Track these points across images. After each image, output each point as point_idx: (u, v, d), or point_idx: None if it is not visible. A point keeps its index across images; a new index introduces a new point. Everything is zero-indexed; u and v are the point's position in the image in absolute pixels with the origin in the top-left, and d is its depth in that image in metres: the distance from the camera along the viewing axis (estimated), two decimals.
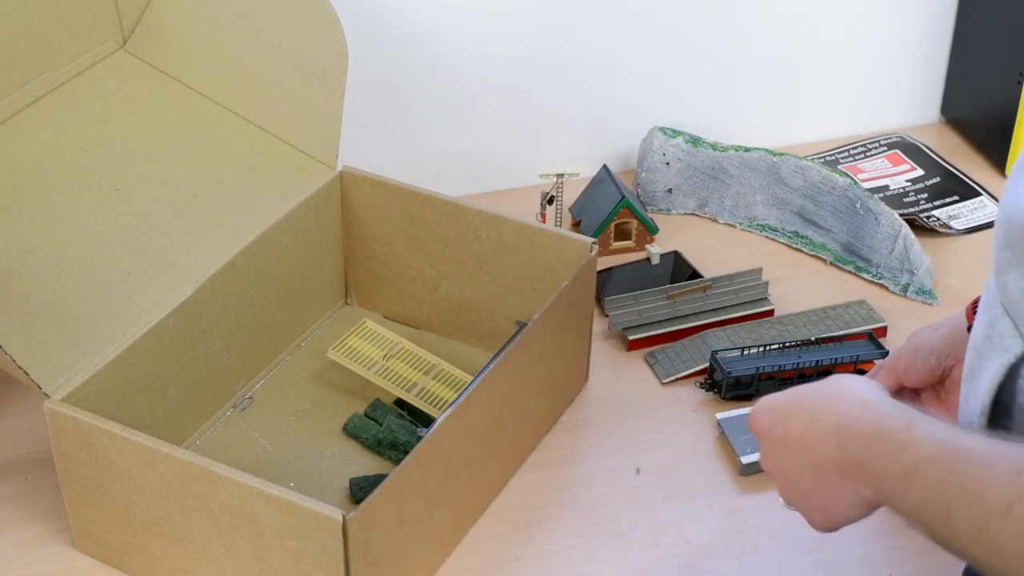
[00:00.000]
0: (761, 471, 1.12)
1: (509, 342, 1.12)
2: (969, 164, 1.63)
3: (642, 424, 1.25)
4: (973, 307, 1.06)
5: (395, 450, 1.18)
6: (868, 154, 1.65)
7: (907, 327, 1.23)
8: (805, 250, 1.49)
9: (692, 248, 1.47)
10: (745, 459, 1.18)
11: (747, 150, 1.55)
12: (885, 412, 0.82)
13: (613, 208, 1.45)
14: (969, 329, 1.03)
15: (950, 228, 1.53)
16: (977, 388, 0.86)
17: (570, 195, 1.53)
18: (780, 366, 1.27)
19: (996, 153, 1.62)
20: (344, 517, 0.94)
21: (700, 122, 1.61)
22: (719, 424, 1.22)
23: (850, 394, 0.85)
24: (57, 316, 1.09)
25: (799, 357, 1.28)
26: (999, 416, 0.84)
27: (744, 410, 1.23)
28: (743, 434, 1.20)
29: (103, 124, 1.24)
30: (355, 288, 1.38)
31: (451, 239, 1.28)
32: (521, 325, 1.14)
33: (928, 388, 1.11)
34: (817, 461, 0.85)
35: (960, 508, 0.74)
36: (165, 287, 1.15)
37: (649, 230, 1.48)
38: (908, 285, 1.42)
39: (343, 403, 1.25)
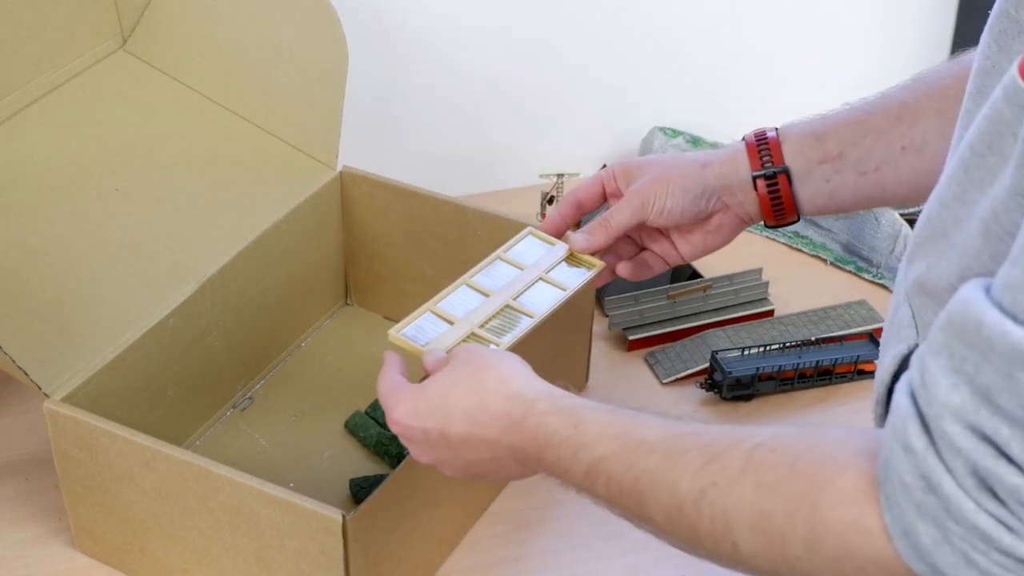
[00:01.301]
0: None
1: None
2: None
3: None
4: (757, 143, 1.03)
5: (395, 444, 1.18)
6: None
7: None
8: (805, 250, 1.49)
9: None
10: None
11: None
12: (546, 412, 0.82)
13: None
14: (758, 175, 1.03)
15: None
16: (877, 375, 0.85)
17: None
18: (780, 366, 1.27)
19: None
20: (344, 517, 0.94)
21: (700, 122, 1.61)
22: None
23: (500, 389, 0.84)
24: (57, 316, 1.09)
25: (799, 357, 1.28)
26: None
27: None
28: None
29: (103, 124, 1.24)
30: (355, 288, 1.38)
31: (451, 239, 1.28)
32: None
33: (655, 230, 1.08)
34: (490, 456, 0.85)
35: (652, 498, 0.75)
36: (165, 287, 1.15)
37: None
38: None
39: (343, 403, 1.25)
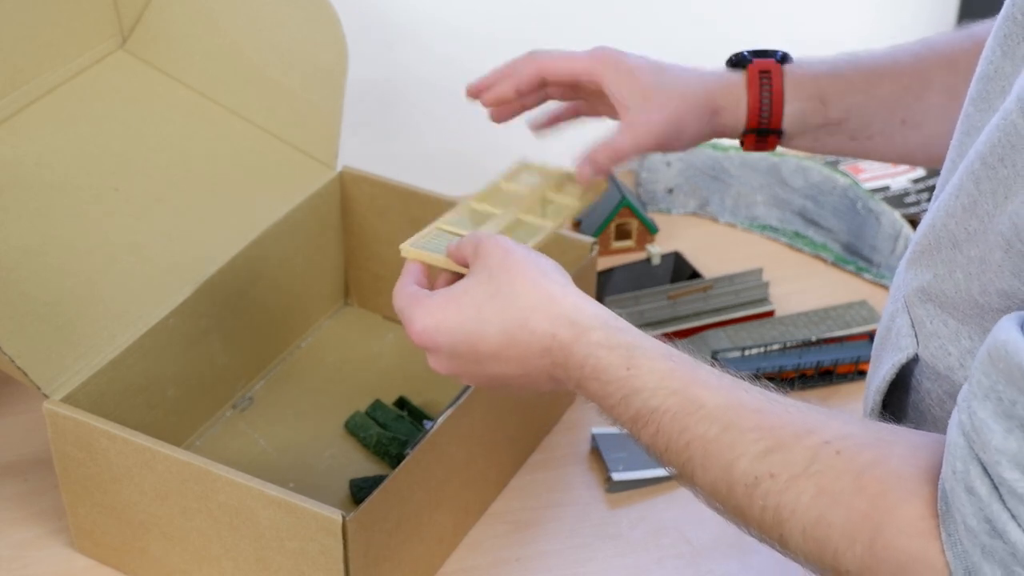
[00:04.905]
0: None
1: None
2: None
3: None
4: (760, 97, 1.00)
5: (395, 445, 1.18)
6: None
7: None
8: (806, 250, 1.49)
9: (692, 248, 1.47)
10: (616, 476, 1.17)
11: None
12: (599, 344, 0.78)
13: (613, 208, 1.45)
14: (751, 132, 1.00)
15: None
16: (871, 383, 0.84)
17: None
18: (781, 367, 1.27)
19: None
20: (344, 518, 0.93)
21: None
22: (593, 438, 1.21)
23: (546, 308, 0.79)
24: (57, 316, 1.09)
25: (800, 358, 1.28)
26: (895, 412, 0.82)
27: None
28: (617, 451, 1.19)
29: (103, 124, 1.24)
30: (355, 288, 1.38)
31: None
32: None
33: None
34: (522, 372, 0.81)
35: (701, 468, 0.73)
36: (165, 287, 1.15)
37: (649, 230, 1.48)
38: None
39: (343, 403, 1.25)
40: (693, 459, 0.73)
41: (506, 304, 0.81)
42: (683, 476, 0.76)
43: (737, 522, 0.73)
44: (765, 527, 0.71)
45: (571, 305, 0.80)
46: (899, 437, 0.69)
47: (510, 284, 0.81)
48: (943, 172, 0.79)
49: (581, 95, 1.08)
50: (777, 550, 0.72)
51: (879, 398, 0.82)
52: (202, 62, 1.29)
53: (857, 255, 1.47)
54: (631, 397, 0.76)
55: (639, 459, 1.17)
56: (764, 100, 1.00)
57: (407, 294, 0.86)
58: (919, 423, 0.80)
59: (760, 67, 1.01)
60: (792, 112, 1.00)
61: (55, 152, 1.20)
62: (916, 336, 0.78)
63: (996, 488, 0.61)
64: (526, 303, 0.80)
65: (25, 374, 1.03)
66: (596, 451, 1.20)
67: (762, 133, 1.01)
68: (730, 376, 0.76)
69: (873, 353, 0.86)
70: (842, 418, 0.71)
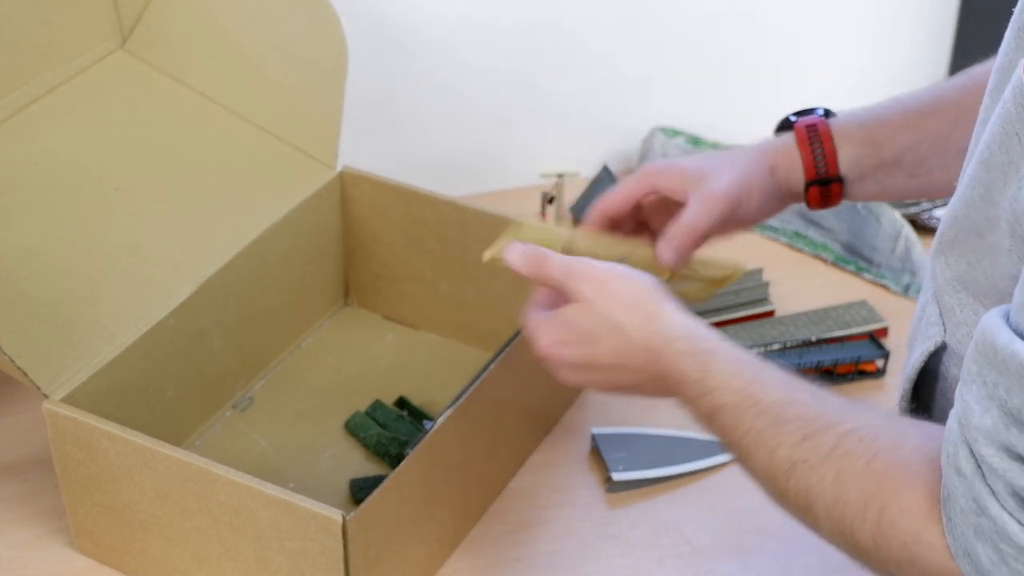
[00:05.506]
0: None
1: (509, 342, 1.12)
2: None
3: (643, 424, 1.24)
4: (811, 146, 1.02)
5: (395, 445, 1.18)
6: None
7: (908, 328, 1.23)
8: (806, 250, 1.49)
9: None
10: (616, 476, 1.17)
11: None
12: (681, 353, 0.85)
13: None
14: (813, 183, 1.03)
15: None
16: (904, 372, 0.87)
17: (570, 195, 1.53)
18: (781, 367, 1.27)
19: None
20: (344, 518, 0.94)
21: (700, 122, 1.61)
22: (593, 438, 1.21)
23: (646, 325, 0.87)
24: (57, 316, 1.09)
25: (800, 358, 1.28)
26: (927, 400, 0.86)
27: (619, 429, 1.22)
28: (617, 451, 1.19)
29: (103, 124, 1.24)
30: (355, 288, 1.38)
31: (451, 239, 1.28)
32: None
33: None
34: (637, 381, 0.89)
35: (752, 457, 0.79)
36: (165, 287, 1.15)
37: None
38: (909, 285, 1.42)
39: (343, 403, 1.25)
40: (748, 449, 0.79)
41: (612, 331, 0.88)
42: (745, 466, 0.81)
43: (786, 509, 0.78)
44: (800, 510, 0.76)
45: (664, 320, 0.87)
46: (918, 429, 0.73)
47: (614, 314, 0.88)
48: (964, 163, 0.80)
49: (648, 225, 1.10)
50: (823, 539, 0.77)
51: (908, 386, 0.86)
52: (202, 62, 1.29)
53: (857, 255, 1.47)
54: (704, 397, 0.83)
55: (639, 459, 1.17)
56: (816, 150, 1.03)
57: (534, 317, 0.93)
58: (947, 410, 0.82)
59: (806, 123, 1.04)
60: (846, 157, 1.03)
61: (55, 152, 1.20)
62: (944, 324, 0.81)
63: (979, 467, 0.64)
64: (628, 326, 0.87)
65: (25, 374, 1.03)
66: (596, 451, 1.20)
67: (824, 183, 1.03)
68: (791, 377, 0.82)
69: (907, 343, 0.89)
70: (875, 411, 0.76)
